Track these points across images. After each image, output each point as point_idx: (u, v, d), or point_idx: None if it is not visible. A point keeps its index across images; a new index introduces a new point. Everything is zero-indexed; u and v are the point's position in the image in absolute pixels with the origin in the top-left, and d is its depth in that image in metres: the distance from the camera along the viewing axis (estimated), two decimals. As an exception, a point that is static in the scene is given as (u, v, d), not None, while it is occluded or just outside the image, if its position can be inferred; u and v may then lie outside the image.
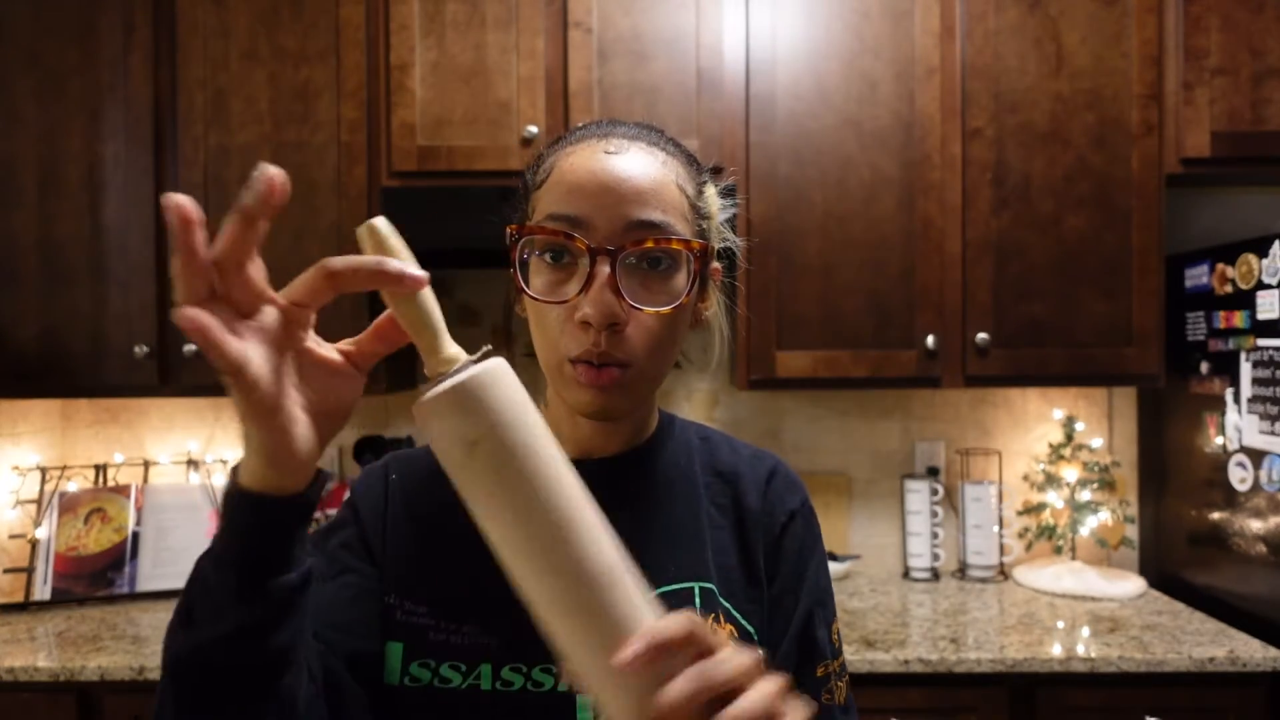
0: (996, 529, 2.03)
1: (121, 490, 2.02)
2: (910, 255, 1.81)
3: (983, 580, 2.03)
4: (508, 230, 0.64)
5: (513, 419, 0.46)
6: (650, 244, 0.61)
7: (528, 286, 0.64)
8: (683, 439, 0.76)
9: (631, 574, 0.47)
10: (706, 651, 0.43)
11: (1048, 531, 2.03)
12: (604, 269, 0.60)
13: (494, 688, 0.63)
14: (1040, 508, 2.06)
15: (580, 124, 0.70)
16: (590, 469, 0.70)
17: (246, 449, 0.48)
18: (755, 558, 0.72)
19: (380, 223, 0.48)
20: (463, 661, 0.64)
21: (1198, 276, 1.86)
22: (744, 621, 0.69)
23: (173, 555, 1.99)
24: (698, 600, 0.67)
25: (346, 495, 0.76)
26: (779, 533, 0.73)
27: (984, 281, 1.81)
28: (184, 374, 1.83)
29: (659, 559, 0.68)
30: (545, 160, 0.68)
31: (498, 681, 0.64)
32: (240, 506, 0.47)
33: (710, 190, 0.72)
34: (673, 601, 0.66)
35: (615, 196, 0.62)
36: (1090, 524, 2.00)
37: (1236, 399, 1.74)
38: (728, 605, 0.69)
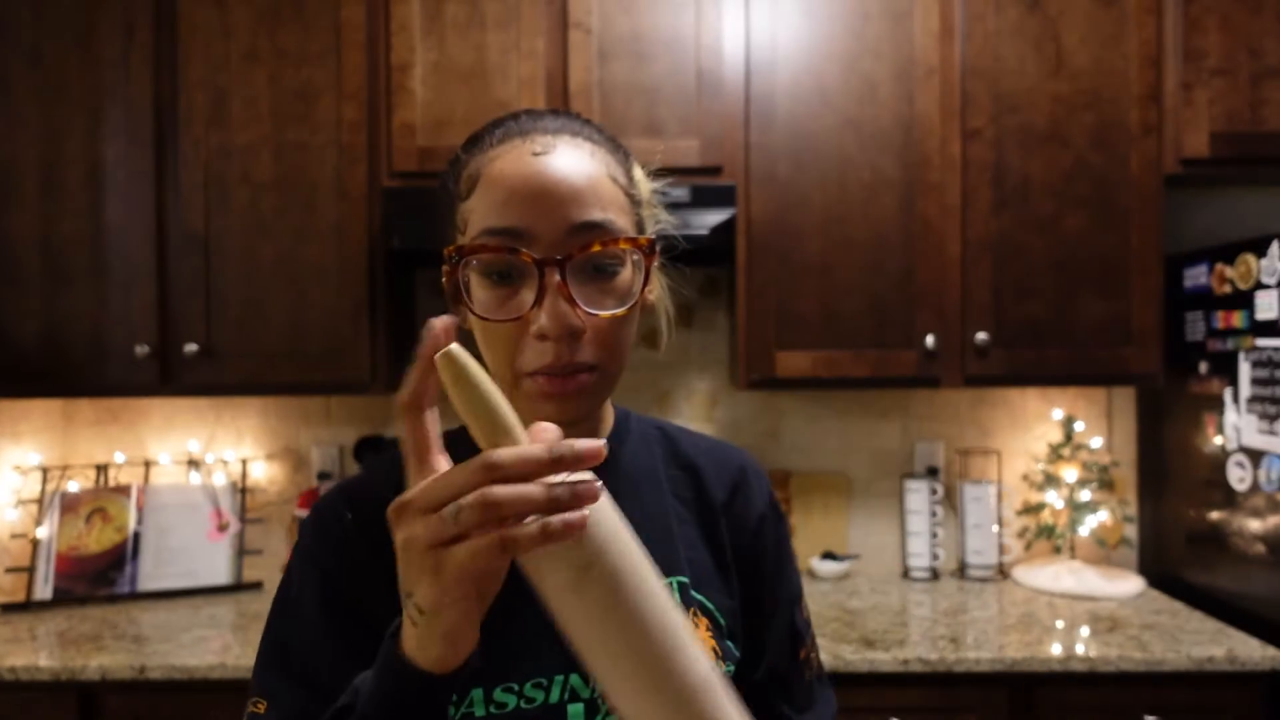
0: (996, 529, 2.04)
1: (122, 490, 2.03)
2: (910, 255, 1.81)
3: (982, 580, 2.03)
4: (445, 252, 0.62)
5: (621, 539, 0.45)
6: (597, 248, 0.59)
7: (472, 303, 0.61)
8: (640, 432, 0.76)
9: (719, 677, 0.48)
10: None
11: (1047, 531, 2.04)
12: (554, 279, 0.58)
13: (488, 711, 0.62)
14: (1039, 507, 2.07)
15: (495, 120, 0.66)
16: None
17: (427, 632, 0.47)
18: (724, 551, 0.73)
19: (459, 353, 0.44)
20: (454, 692, 0.63)
21: (1197, 276, 1.87)
22: (717, 614, 0.70)
23: (173, 555, 2.00)
24: (676, 595, 0.67)
25: (297, 545, 0.68)
26: (754, 531, 0.74)
27: (983, 281, 1.81)
28: (185, 374, 1.83)
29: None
30: (467, 166, 0.64)
31: (491, 705, 0.62)
32: (419, 688, 0.48)
33: (638, 171, 0.69)
34: None
35: (553, 201, 0.59)
36: (1089, 524, 2.00)
37: (1235, 399, 1.74)
38: (700, 598, 0.69)
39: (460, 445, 0.73)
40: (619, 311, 0.61)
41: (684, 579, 0.69)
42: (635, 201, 0.66)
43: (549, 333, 0.59)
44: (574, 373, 0.61)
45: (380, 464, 0.72)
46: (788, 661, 0.76)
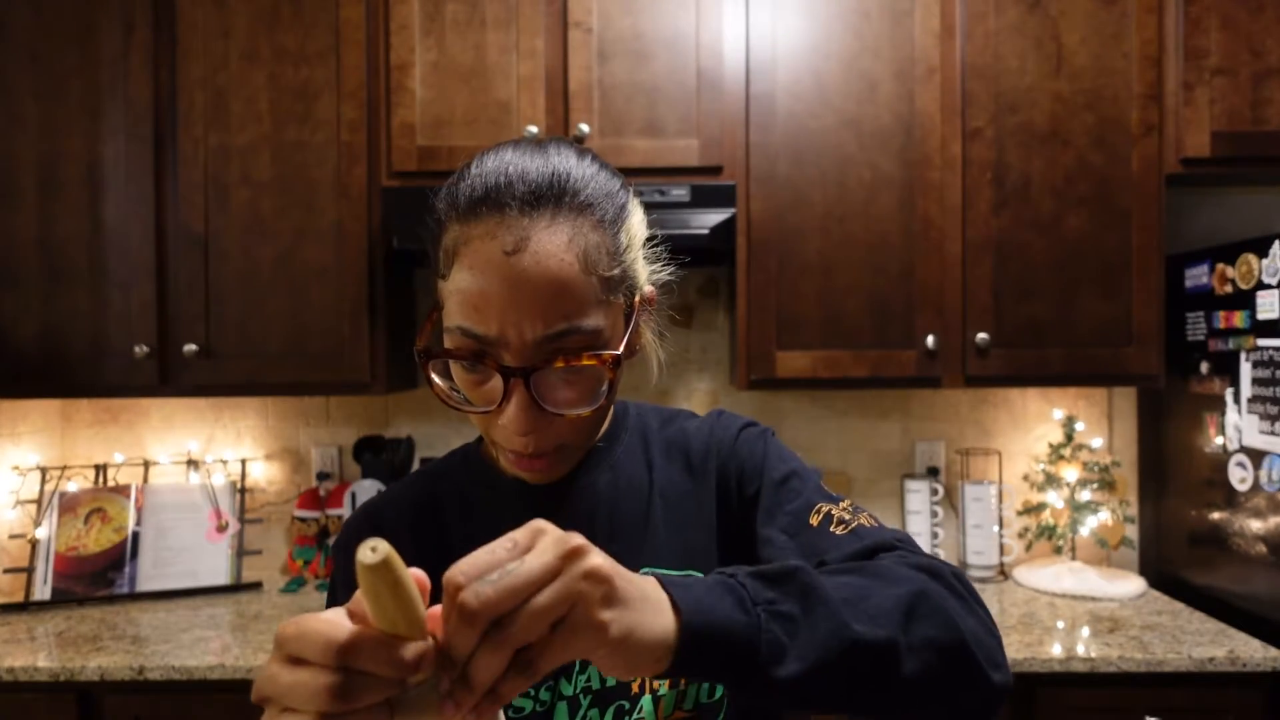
0: (996, 529, 2.03)
1: (121, 490, 2.02)
2: (910, 255, 1.81)
3: (983, 580, 2.03)
4: (416, 351, 0.63)
5: None
6: (560, 364, 0.60)
7: (456, 382, 0.65)
8: (638, 427, 0.78)
9: None
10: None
11: (1048, 531, 2.03)
12: (518, 388, 0.60)
13: None
14: (1040, 508, 2.06)
15: (474, 168, 0.63)
16: (544, 491, 0.71)
17: None
18: (708, 509, 0.74)
19: (386, 551, 0.40)
20: None
21: (1198, 276, 1.86)
22: None
23: (173, 555, 1.99)
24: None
25: (337, 540, 0.77)
26: (727, 458, 0.75)
27: (984, 281, 1.81)
28: (184, 374, 1.83)
29: (622, 553, 0.68)
30: (446, 229, 0.63)
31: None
32: None
33: (632, 221, 0.67)
34: None
35: (520, 311, 0.59)
36: (1090, 524, 2.00)
37: (1236, 399, 1.74)
38: (692, 572, 0.68)
39: (398, 509, 0.76)
40: (584, 412, 0.63)
41: (653, 570, 0.67)
42: (619, 280, 0.64)
43: (512, 430, 0.62)
44: (541, 454, 0.64)
45: (401, 485, 0.78)
46: (796, 539, 0.68)
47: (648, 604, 0.47)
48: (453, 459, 0.80)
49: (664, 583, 0.49)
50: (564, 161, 0.63)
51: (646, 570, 0.68)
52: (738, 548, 0.73)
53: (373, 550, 0.39)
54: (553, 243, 0.60)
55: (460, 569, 0.41)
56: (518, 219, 0.60)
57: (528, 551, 0.43)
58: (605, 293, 0.63)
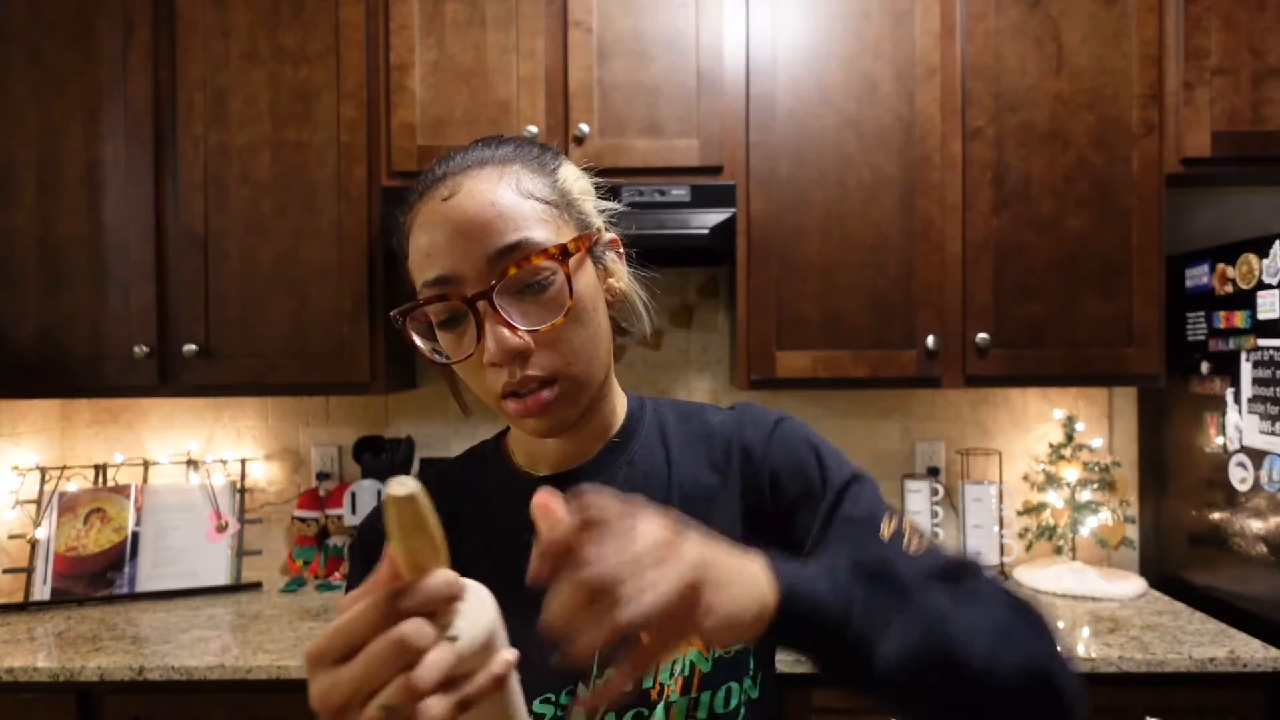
0: (997, 529, 2.03)
1: (121, 490, 2.02)
2: (910, 255, 1.81)
3: (983, 580, 2.02)
4: (391, 316, 0.67)
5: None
6: (513, 271, 0.62)
7: (442, 347, 0.67)
8: (655, 422, 0.77)
9: None
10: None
11: (1048, 531, 2.03)
12: (488, 313, 0.62)
13: None
14: (1040, 508, 2.06)
15: (424, 171, 0.69)
16: (560, 482, 0.71)
17: None
18: (732, 508, 0.72)
19: (415, 488, 0.43)
20: None
21: (1198, 276, 1.86)
22: None
23: (172, 555, 1.99)
24: None
25: (351, 543, 0.80)
26: (761, 457, 0.72)
27: (984, 281, 1.81)
28: (184, 374, 1.83)
29: None
30: (401, 226, 0.68)
31: None
32: None
33: (565, 171, 0.70)
34: None
35: (466, 240, 0.62)
36: (1090, 524, 2.00)
37: (1237, 399, 1.74)
38: None
39: (459, 474, 0.76)
40: (557, 320, 0.63)
41: None
42: (561, 204, 0.67)
43: (495, 359, 0.62)
44: (536, 389, 0.64)
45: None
46: (861, 553, 0.63)
47: (744, 581, 0.49)
48: (470, 456, 0.80)
49: (771, 560, 0.52)
50: (489, 140, 0.70)
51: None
52: (773, 549, 0.71)
53: (401, 485, 0.42)
54: (485, 179, 0.65)
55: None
56: (452, 176, 0.65)
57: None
58: (549, 214, 0.65)
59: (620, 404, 0.77)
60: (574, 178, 0.71)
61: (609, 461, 0.73)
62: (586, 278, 0.67)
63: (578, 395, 0.67)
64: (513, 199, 0.64)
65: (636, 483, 0.72)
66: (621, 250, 0.74)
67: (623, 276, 0.73)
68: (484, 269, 0.62)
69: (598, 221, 0.72)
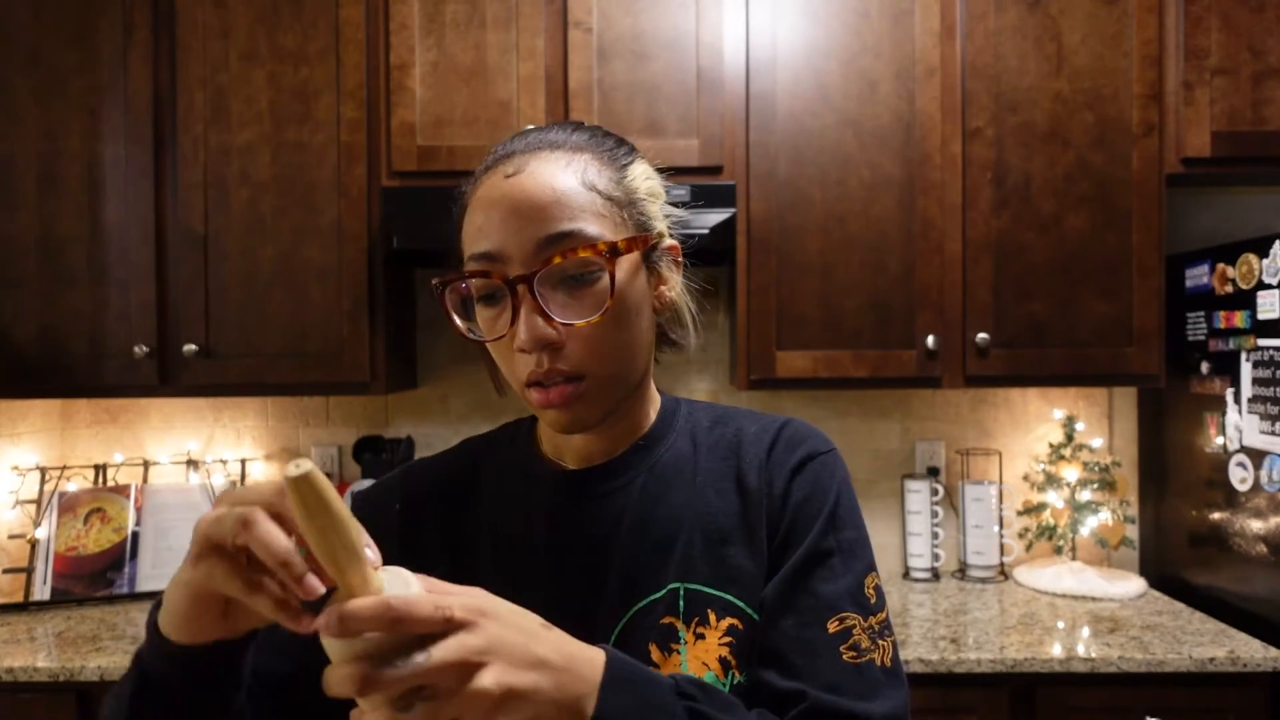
0: (997, 529, 2.03)
1: (121, 490, 2.02)
2: (910, 255, 1.81)
3: (983, 580, 2.02)
4: (432, 284, 0.66)
5: None
6: (558, 260, 0.61)
7: (479, 324, 0.66)
8: (686, 428, 0.74)
9: None
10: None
11: (1048, 531, 2.03)
12: (525, 297, 0.61)
13: None
14: (1040, 508, 2.06)
15: (494, 147, 0.69)
16: (581, 477, 0.71)
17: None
18: (759, 535, 0.68)
19: (313, 470, 0.43)
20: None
21: (1198, 276, 1.86)
22: (749, 609, 0.66)
23: (172, 555, 1.99)
24: (681, 603, 0.66)
25: (353, 506, 0.78)
26: (782, 495, 0.69)
27: (984, 281, 1.81)
28: (183, 374, 1.83)
29: (650, 563, 0.67)
30: (462, 197, 0.69)
31: None
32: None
33: (636, 169, 0.69)
34: (665, 602, 0.66)
35: (519, 221, 0.62)
36: (1090, 524, 2.00)
37: (1237, 399, 1.74)
38: (728, 597, 0.66)
39: (420, 484, 0.76)
40: (593, 318, 0.62)
41: (684, 585, 0.66)
42: (623, 202, 0.66)
43: (524, 346, 0.62)
44: (560, 382, 0.63)
45: (445, 454, 0.79)
46: (787, 627, 0.64)
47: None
48: (504, 432, 0.79)
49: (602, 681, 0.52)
50: (566, 124, 0.69)
51: (673, 586, 0.66)
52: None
53: (296, 466, 0.42)
54: (551, 163, 0.64)
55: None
56: (520, 155, 0.65)
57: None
58: (608, 210, 0.64)
59: (654, 407, 0.75)
60: (643, 177, 0.69)
61: (633, 463, 0.71)
62: (634, 280, 0.66)
63: (602, 396, 0.65)
64: (574, 187, 0.63)
65: (659, 488, 0.70)
66: (680, 259, 0.72)
67: (675, 286, 0.72)
68: (531, 253, 0.61)
69: (660, 226, 0.70)
